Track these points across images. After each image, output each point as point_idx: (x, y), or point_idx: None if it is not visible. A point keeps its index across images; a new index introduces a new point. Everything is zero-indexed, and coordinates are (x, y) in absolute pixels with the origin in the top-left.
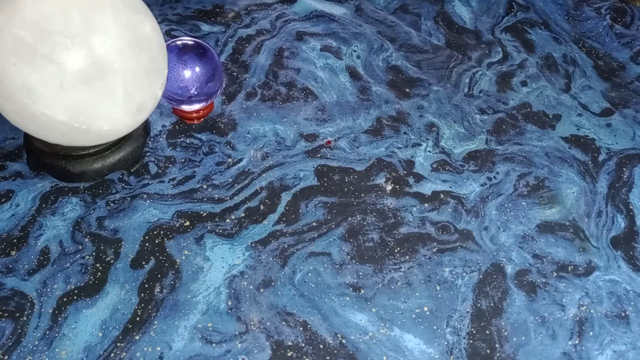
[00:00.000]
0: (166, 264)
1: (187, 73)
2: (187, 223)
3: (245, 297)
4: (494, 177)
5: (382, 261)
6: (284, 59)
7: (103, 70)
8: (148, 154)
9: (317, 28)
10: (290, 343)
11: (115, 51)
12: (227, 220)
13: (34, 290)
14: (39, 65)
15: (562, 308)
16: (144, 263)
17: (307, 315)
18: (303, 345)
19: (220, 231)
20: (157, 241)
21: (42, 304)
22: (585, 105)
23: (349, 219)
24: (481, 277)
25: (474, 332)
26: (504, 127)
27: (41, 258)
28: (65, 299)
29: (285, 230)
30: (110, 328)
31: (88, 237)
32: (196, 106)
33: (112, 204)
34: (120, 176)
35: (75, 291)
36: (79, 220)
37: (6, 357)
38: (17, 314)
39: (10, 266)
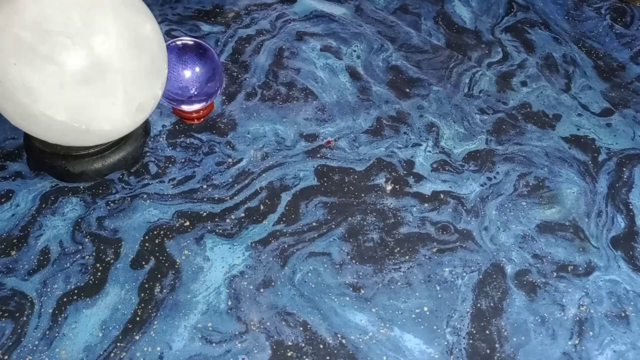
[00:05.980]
0: (166, 264)
1: (187, 73)
2: (187, 223)
3: (245, 297)
4: (494, 177)
5: (382, 261)
6: (284, 59)
7: (103, 70)
8: (148, 154)
9: (317, 28)
10: (290, 343)
11: (115, 51)
12: (227, 220)
13: (34, 290)
14: (39, 65)
15: (562, 308)
16: (144, 263)
17: (307, 315)
18: (303, 345)
19: (220, 231)
20: (157, 241)
21: (42, 304)
22: (585, 105)
23: (349, 219)
24: (481, 277)
25: (474, 332)
26: (504, 127)
27: (41, 258)
28: (65, 299)
29: (285, 230)
30: (110, 328)
31: (88, 237)
32: (196, 106)
33: (112, 204)
34: (120, 176)
35: (75, 291)
36: (79, 220)
37: (6, 357)
38: (17, 314)
39: (10, 266)
